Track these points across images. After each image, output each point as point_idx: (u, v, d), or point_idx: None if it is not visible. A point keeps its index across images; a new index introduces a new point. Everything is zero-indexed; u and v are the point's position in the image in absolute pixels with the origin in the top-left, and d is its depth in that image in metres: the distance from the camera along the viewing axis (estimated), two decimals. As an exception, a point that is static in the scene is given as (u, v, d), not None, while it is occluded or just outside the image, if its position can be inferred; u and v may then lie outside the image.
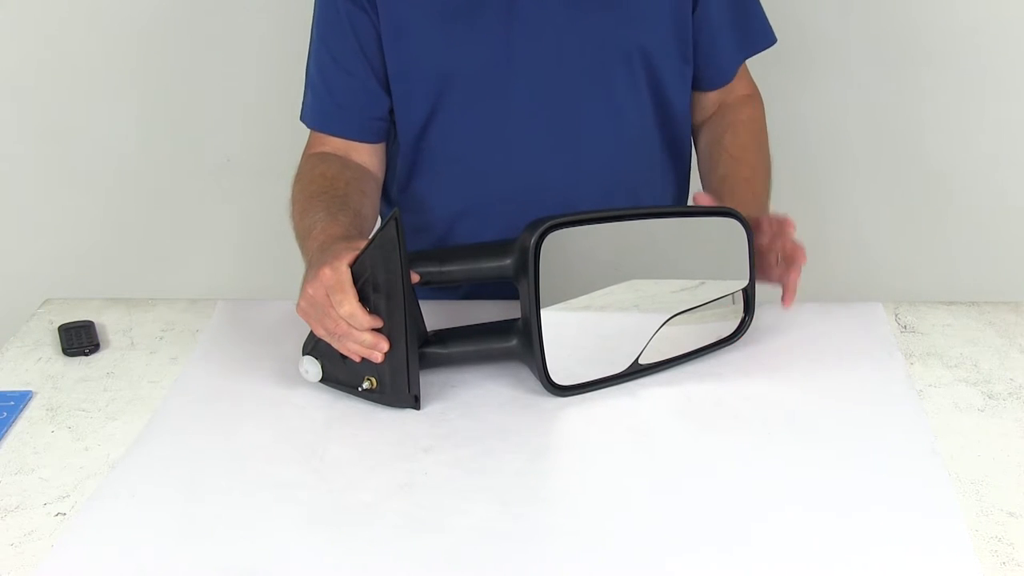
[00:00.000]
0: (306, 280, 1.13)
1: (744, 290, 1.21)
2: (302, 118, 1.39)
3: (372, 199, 1.34)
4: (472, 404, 1.15)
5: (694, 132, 1.46)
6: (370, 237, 1.10)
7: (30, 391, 1.20)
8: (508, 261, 1.13)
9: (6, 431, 1.13)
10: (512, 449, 1.08)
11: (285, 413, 1.15)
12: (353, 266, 1.10)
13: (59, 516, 1.00)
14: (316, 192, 1.28)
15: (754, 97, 1.46)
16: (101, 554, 0.96)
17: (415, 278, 1.12)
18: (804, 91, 1.96)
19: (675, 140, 1.41)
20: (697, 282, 1.20)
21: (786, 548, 0.94)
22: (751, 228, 1.19)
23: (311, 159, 1.35)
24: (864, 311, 1.31)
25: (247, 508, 1.01)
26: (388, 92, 1.34)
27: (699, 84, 1.41)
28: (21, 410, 1.17)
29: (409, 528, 0.97)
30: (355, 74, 1.32)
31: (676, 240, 1.19)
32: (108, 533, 0.98)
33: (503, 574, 0.93)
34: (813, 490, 1.01)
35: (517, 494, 1.02)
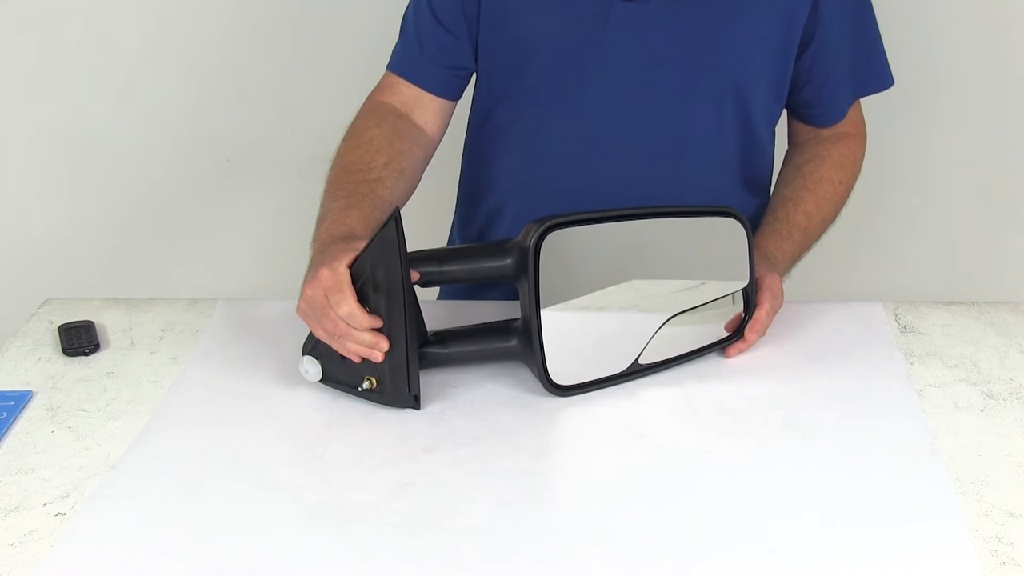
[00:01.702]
0: (305, 282, 1.13)
1: (744, 290, 1.21)
2: (388, 65, 1.40)
3: (410, 176, 1.33)
4: (472, 404, 1.15)
5: (786, 150, 1.44)
6: (370, 238, 1.10)
7: (30, 391, 1.20)
8: (508, 261, 1.13)
9: (6, 431, 1.13)
10: (512, 449, 1.08)
11: (285, 413, 1.15)
12: (353, 266, 1.10)
13: (59, 516, 1.00)
14: (350, 167, 1.27)
15: (856, 137, 1.42)
16: (101, 554, 0.96)
17: (415, 277, 1.12)
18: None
19: (756, 175, 1.40)
20: (697, 282, 1.20)
21: (786, 547, 0.94)
22: (750, 228, 1.19)
23: (372, 111, 1.36)
24: (864, 311, 1.31)
25: (247, 508, 1.01)
26: (475, 55, 1.35)
27: (806, 120, 1.39)
28: (21, 410, 1.17)
29: (409, 528, 0.97)
30: (449, 28, 1.33)
31: (676, 240, 1.19)
32: (108, 533, 0.98)
33: (503, 574, 0.93)
34: (813, 490, 1.01)
35: (517, 494, 1.02)
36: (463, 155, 1.48)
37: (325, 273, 1.09)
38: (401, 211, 1.08)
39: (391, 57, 1.39)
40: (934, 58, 1.94)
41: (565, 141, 1.33)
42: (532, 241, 1.09)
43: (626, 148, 1.32)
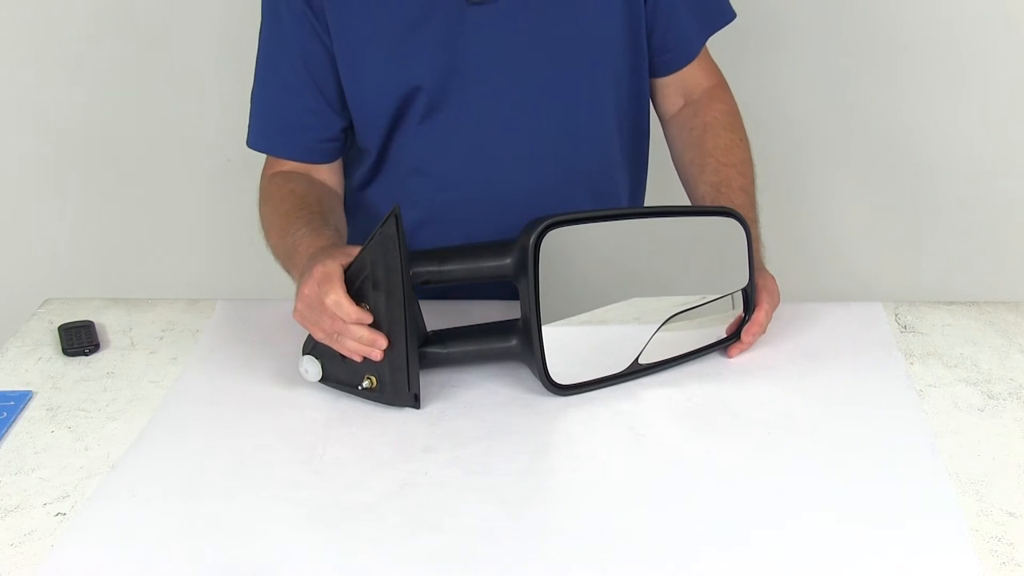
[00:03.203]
0: (300, 284, 1.13)
1: (744, 290, 1.21)
2: (248, 142, 1.37)
3: (342, 215, 1.34)
4: (472, 404, 1.15)
5: (663, 126, 1.44)
6: (370, 235, 1.10)
7: (30, 391, 1.20)
8: (508, 261, 1.13)
9: (6, 431, 1.13)
10: (512, 449, 1.08)
11: (285, 413, 1.15)
12: (353, 265, 1.10)
13: (59, 516, 1.00)
14: (291, 210, 1.27)
15: (721, 87, 1.43)
16: (101, 554, 0.96)
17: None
18: (807, 87, 1.96)
19: (633, 134, 1.40)
20: (697, 283, 1.20)
21: (786, 548, 0.94)
22: (750, 228, 1.19)
23: (275, 179, 1.34)
24: (864, 311, 1.31)
25: (247, 508, 1.01)
26: (339, 113, 1.32)
27: (664, 68, 1.39)
28: (21, 410, 1.17)
29: (409, 528, 0.97)
30: (304, 97, 1.31)
31: (676, 240, 1.19)
32: (108, 533, 0.98)
33: (503, 574, 0.93)
34: (813, 490, 1.01)
35: (517, 494, 1.02)
36: (347, 208, 1.42)
37: (319, 268, 1.09)
38: None
39: (261, 138, 1.35)
40: (941, 58, 1.94)
41: (465, 158, 1.32)
42: (532, 241, 1.09)
43: (522, 144, 1.31)
